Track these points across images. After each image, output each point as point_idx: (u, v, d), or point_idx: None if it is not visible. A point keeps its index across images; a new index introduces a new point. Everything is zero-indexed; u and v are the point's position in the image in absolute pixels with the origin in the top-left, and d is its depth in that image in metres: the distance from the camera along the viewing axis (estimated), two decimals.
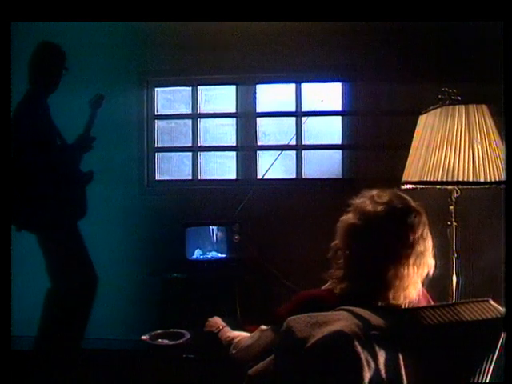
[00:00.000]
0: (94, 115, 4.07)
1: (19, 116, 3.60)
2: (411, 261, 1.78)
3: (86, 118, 4.03)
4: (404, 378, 1.59)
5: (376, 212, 1.80)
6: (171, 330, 3.25)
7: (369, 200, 1.85)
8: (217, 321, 2.53)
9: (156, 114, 4.71)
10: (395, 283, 1.76)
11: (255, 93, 4.60)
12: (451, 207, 3.00)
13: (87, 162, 3.96)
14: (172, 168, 4.75)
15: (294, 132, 4.50)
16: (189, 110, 4.70)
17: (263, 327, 2.05)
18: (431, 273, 1.87)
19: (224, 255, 4.09)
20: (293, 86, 4.57)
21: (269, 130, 4.62)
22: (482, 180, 2.72)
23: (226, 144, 4.66)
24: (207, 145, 4.68)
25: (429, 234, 1.86)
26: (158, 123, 4.73)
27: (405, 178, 3.04)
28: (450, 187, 2.92)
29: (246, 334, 2.24)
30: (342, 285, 1.83)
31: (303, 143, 4.54)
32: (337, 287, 1.84)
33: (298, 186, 4.44)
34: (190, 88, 4.68)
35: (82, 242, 3.80)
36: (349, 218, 1.85)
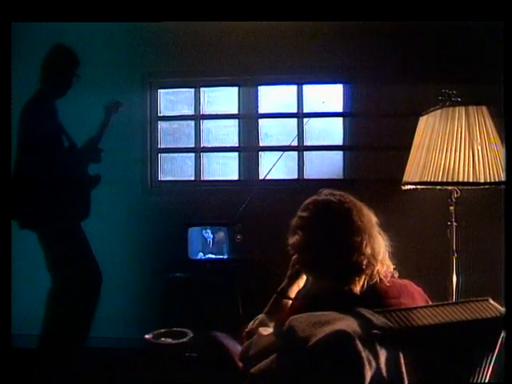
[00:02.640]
0: (108, 120, 4.07)
1: (28, 115, 3.61)
2: (363, 235, 1.90)
3: (98, 122, 4.03)
4: (405, 376, 1.60)
5: (305, 220, 2.02)
6: (174, 329, 3.27)
7: (296, 220, 2.08)
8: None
9: (159, 115, 4.72)
10: (365, 251, 1.88)
11: (257, 94, 4.60)
12: (451, 207, 3.01)
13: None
14: (175, 169, 4.76)
15: (296, 133, 4.50)
16: (191, 112, 4.71)
17: (262, 331, 2.06)
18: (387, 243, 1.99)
19: (220, 256, 4.10)
20: (294, 87, 4.58)
21: (271, 131, 4.62)
22: (481, 180, 2.73)
23: (228, 145, 4.67)
24: (210, 146, 4.69)
25: (367, 212, 1.99)
26: (161, 124, 4.74)
27: (405, 178, 3.05)
28: (450, 188, 2.93)
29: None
30: (322, 284, 1.96)
31: (305, 144, 4.55)
32: (323, 289, 1.94)
33: (300, 186, 4.45)
34: (193, 90, 4.69)
35: (87, 242, 3.81)
36: (293, 239, 2.06)
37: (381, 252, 1.93)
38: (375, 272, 1.90)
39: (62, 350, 3.64)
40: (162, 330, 3.26)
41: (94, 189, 3.89)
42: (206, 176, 4.69)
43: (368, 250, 1.88)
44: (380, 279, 1.92)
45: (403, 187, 3.09)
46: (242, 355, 2.16)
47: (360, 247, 1.87)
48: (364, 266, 1.87)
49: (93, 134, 4.01)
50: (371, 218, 1.97)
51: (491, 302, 1.81)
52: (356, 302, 1.80)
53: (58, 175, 3.63)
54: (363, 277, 1.89)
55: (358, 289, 1.88)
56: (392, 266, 1.97)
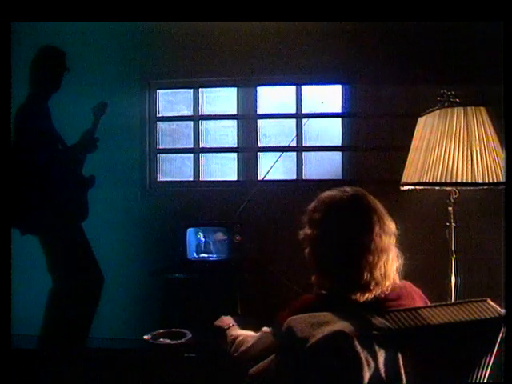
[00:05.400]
0: (97, 122, 4.08)
1: (21, 120, 3.61)
2: (380, 255, 1.82)
3: (88, 125, 4.03)
4: (403, 377, 1.60)
5: (321, 217, 1.90)
6: (173, 329, 3.26)
7: (308, 215, 1.97)
8: (228, 319, 2.55)
9: (158, 115, 4.72)
10: (375, 273, 1.81)
11: (256, 95, 4.61)
12: (450, 208, 3.01)
13: (90, 163, 3.99)
14: (174, 169, 4.76)
15: (295, 134, 4.50)
16: (190, 112, 4.71)
17: (265, 329, 2.06)
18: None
19: (213, 256, 4.09)
20: (293, 88, 4.58)
21: (269, 132, 4.62)
22: (480, 181, 2.73)
23: (227, 145, 4.67)
24: (208, 146, 4.69)
25: (390, 226, 1.90)
26: (160, 125, 4.74)
27: (404, 179, 3.05)
28: (448, 188, 2.93)
29: (250, 333, 2.24)
30: (323, 284, 1.91)
31: (303, 145, 4.55)
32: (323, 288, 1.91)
33: (299, 186, 4.45)
34: (192, 90, 4.69)
35: (87, 243, 3.81)
36: (308, 230, 1.94)
37: (392, 271, 1.85)
38: (382, 290, 1.83)
39: (62, 351, 3.64)
40: (161, 331, 3.24)
41: (93, 190, 3.89)
42: (205, 176, 4.70)
43: (380, 271, 1.80)
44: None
45: (402, 188, 3.09)
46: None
47: (373, 269, 1.79)
48: (371, 287, 1.80)
49: (85, 136, 4.01)
50: (392, 232, 1.88)
51: (490, 302, 1.81)
52: (356, 305, 1.80)
53: (53, 177, 3.63)
54: (368, 294, 1.81)
55: (361, 300, 1.82)
56: (398, 280, 1.90)
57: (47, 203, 3.60)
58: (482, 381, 1.77)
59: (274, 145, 4.59)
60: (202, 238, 4.12)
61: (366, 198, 1.92)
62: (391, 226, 1.90)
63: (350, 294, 1.81)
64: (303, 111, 4.57)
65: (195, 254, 4.10)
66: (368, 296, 1.81)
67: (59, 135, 3.81)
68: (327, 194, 1.96)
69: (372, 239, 1.81)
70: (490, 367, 1.77)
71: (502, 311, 1.77)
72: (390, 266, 1.84)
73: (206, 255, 4.11)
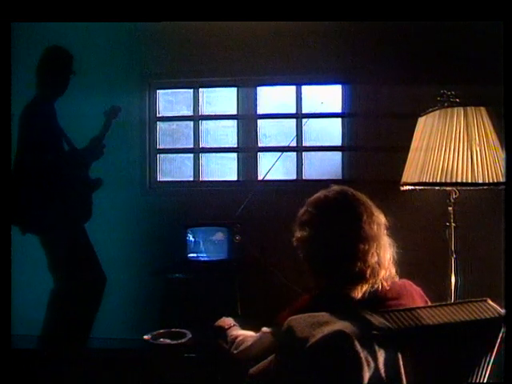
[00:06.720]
0: (109, 125, 4.09)
1: (27, 120, 3.61)
2: (371, 243, 1.84)
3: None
4: (403, 377, 1.60)
5: (312, 217, 1.93)
6: (173, 329, 3.26)
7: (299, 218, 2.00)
8: (229, 320, 2.55)
9: (158, 115, 4.72)
10: (370, 260, 1.82)
11: (256, 95, 4.61)
12: (450, 208, 3.01)
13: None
14: (174, 169, 4.76)
15: (295, 134, 4.51)
16: (190, 112, 4.71)
17: (265, 329, 2.06)
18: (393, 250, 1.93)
19: (215, 257, 4.10)
20: (293, 88, 4.58)
21: (269, 132, 4.63)
22: (480, 181, 2.74)
23: (227, 145, 4.67)
24: (208, 146, 4.69)
25: (378, 215, 1.92)
26: (160, 125, 4.74)
27: (404, 179, 3.05)
28: (448, 188, 2.94)
29: (251, 333, 2.24)
30: (320, 283, 1.92)
31: (303, 145, 4.56)
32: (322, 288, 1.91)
33: (299, 186, 4.46)
34: (192, 90, 4.69)
35: (90, 244, 3.81)
36: (300, 233, 1.97)
37: (387, 260, 1.87)
38: (378, 280, 1.85)
39: (63, 351, 3.64)
40: (161, 331, 3.24)
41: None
42: (205, 176, 4.70)
43: (374, 259, 1.82)
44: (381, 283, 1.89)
45: (402, 188, 3.09)
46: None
47: (365, 256, 1.81)
48: (367, 276, 1.81)
49: (93, 136, 4.02)
50: (381, 222, 1.90)
51: (490, 302, 1.81)
52: (355, 304, 1.80)
53: (58, 177, 3.63)
54: (365, 286, 1.83)
55: (359, 295, 1.83)
56: (394, 271, 1.91)
57: (51, 203, 3.60)
58: (482, 381, 1.77)
59: (274, 145, 4.59)
60: (202, 238, 4.12)
61: (352, 192, 1.94)
62: (380, 216, 1.92)
63: (348, 288, 1.83)
64: (303, 111, 4.57)
65: (195, 254, 4.11)
66: (365, 288, 1.83)
67: (66, 136, 3.81)
68: (314, 196, 2.00)
69: (361, 227, 1.83)
70: (490, 367, 1.77)
71: (502, 311, 1.77)
72: (383, 254, 1.86)
73: (205, 255, 4.11)
